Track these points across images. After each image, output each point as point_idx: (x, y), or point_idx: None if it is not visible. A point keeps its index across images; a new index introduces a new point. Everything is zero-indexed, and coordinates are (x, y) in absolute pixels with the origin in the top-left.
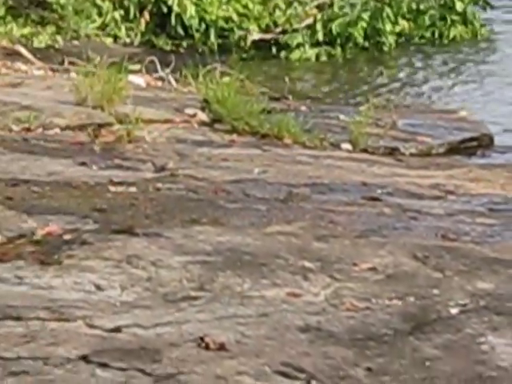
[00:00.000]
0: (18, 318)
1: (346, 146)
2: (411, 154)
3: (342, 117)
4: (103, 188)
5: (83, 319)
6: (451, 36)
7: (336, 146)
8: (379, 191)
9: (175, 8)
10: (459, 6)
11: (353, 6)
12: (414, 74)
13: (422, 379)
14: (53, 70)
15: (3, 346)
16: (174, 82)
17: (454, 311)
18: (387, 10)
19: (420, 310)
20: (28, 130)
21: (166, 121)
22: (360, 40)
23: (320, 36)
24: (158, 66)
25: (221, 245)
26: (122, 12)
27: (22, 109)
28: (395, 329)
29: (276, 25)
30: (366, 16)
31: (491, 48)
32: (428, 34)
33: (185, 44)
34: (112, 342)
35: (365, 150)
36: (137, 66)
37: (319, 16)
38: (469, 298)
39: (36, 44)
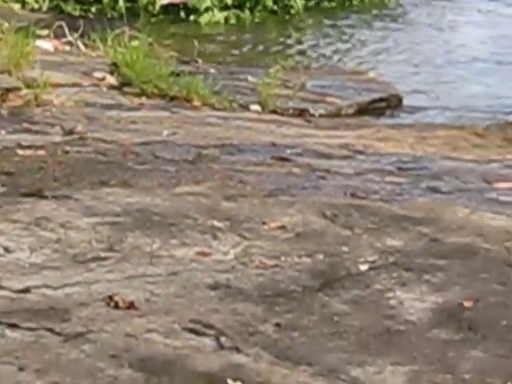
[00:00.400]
0: None
1: (255, 107)
2: (320, 115)
3: (250, 79)
4: (11, 152)
5: None
6: None
7: (245, 107)
8: (288, 151)
9: None
10: None
11: None
12: (323, 37)
13: (330, 334)
14: None
15: None
16: (82, 47)
17: (363, 268)
18: None
19: (329, 266)
20: None
21: (75, 84)
22: (269, 3)
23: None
24: (67, 31)
25: (130, 206)
26: None
27: None
28: (304, 285)
29: None
30: None
31: (399, 11)
32: None
33: (93, 9)
34: (21, 303)
35: (274, 112)
36: (45, 31)
37: None
38: (378, 255)
39: None
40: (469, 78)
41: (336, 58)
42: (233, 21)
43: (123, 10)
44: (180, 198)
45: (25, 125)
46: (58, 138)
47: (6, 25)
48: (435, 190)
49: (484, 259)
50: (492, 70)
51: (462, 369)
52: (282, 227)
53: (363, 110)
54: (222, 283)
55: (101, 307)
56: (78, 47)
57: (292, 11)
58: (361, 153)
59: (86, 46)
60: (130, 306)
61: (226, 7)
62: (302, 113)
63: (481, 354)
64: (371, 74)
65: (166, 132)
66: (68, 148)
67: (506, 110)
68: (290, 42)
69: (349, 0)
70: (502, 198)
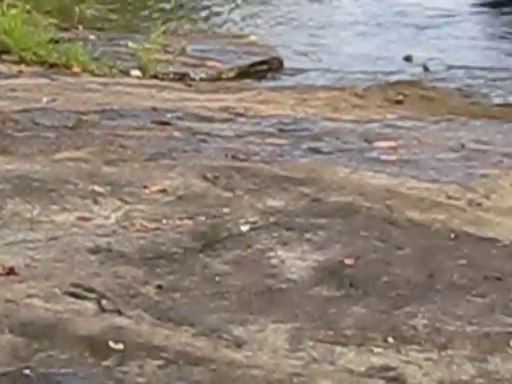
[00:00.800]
0: None
1: (136, 72)
2: (201, 79)
3: (131, 44)
4: None
5: None
6: None
7: (125, 73)
8: (169, 115)
9: None
10: None
11: None
12: (203, 1)
13: (212, 294)
14: None
15: None
16: None
17: (244, 228)
18: None
19: (210, 228)
20: None
21: None
22: None
23: None
24: None
25: (9, 173)
26: None
27: None
28: (185, 247)
29: None
30: None
31: None
32: None
33: None
34: None
35: (154, 76)
36: None
37: None
38: (259, 216)
39: None
40: (349, 41)
41: (217, 22)
42: None
43: None
44: (60, 163)
45: None
46: None
47: None
48: (316, 151)
49: (365, 217)
50: (372, 32)
51: (344, 325)
52: (163, 190)
53: (244, 73)
54: (102, 247)
55: None
56: None
57: None
58: (242, 115)
59: None
60: (10, 271)
61: None
62: (182, 77)
63: (362, 310)
64: (252, 38)
65: (45, 99)
66: None
67: (386, 70)
68: (169, 6)
69: None
70: (383, 157)
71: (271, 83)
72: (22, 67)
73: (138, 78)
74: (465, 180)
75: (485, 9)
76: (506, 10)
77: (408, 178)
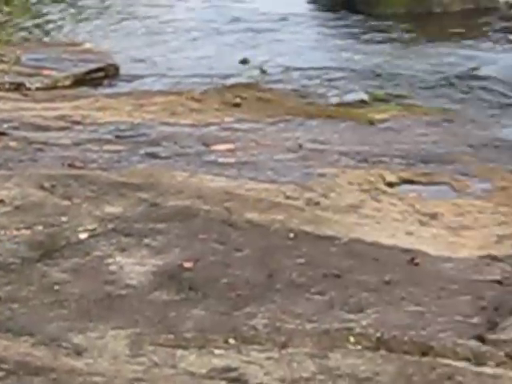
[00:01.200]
0: None
1: None
2: (37, 88)
3: None
4: None
5: None
6: None
7: None
8: (5, 126)
9: None
10: None
11: None
12: (37, 10)
13: (51, 303)
14: None
15: None
16: None
17: (82, 236)
18: None
19: (48, 237)
20: None
21: None
22: None
23: None
24: None
25: None
26: None
27: None
28: (23, 257)
29: None
30: None
31: None
32: None
33: None
34: None
35: None
36: None
37: None
38: (97, 223)
39: None
40: (186, 46)
41: (51, 30)
42: None
43: None
44: None
45: None
46: None
47: None
48: (154, 156)
49: (204, 220)
50: (208, 37)
51: (184, 328)
52: (0, 201)
53: (80, 81)
54: None
55: None
56: None
57: None
58: (78, 123)
59: None
60: None
61: None
62: (18, 87)
63: (202, 312)
64: (87, 45)
65: None
66: None
67: (222, 74)
68: (2, 16)
69: None
70: (221, 160)
71: (108, 90)
72: None
73: None
74: (303, 180)
75: (320, 11)
76: (339, 10)
77: (246, 180)
